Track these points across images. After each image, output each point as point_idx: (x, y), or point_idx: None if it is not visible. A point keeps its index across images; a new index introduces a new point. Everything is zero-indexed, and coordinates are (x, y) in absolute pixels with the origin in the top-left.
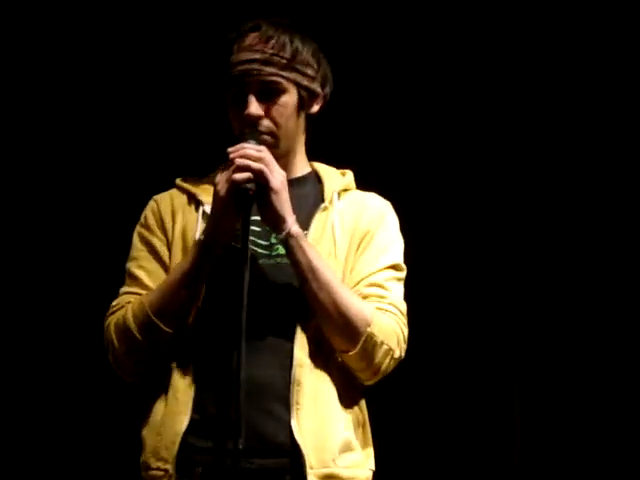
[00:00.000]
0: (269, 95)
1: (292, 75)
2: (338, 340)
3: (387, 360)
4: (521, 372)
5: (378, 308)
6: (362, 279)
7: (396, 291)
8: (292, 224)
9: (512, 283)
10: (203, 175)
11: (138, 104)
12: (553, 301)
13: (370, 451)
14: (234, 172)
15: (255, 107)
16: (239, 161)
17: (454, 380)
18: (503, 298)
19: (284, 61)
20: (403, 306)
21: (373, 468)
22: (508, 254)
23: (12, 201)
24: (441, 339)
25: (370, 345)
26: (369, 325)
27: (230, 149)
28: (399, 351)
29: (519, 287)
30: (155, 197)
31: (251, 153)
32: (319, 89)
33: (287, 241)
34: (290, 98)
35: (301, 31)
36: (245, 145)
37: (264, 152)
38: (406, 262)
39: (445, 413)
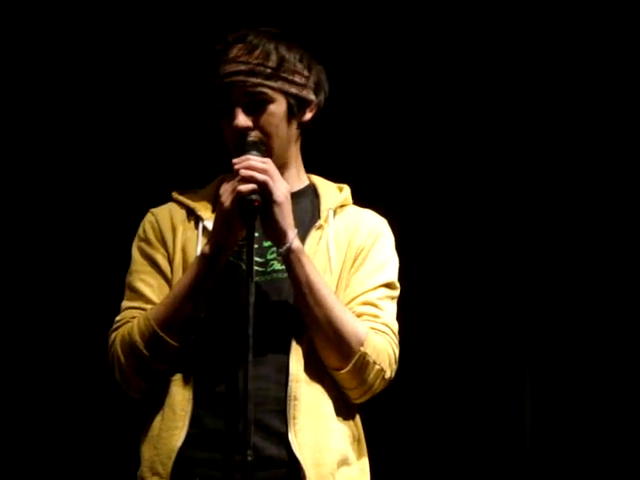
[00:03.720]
0: (256, 106)
1: (278, 84)
2: (330, 357)
3: (378, 380)
4: (528, 390)
5: (371, 328)
6: (356, 297)
7: (389, 310)
8: (293, 238)
9: (513, 294)
10: (200, 186)
11: (133, 115)
12: (556, 312)
13: (366, 465)
14: (239, 183)
15: (242, 119)
16: (244, 172)
17: (455, 393)
18: (503, 313)
19: (269, 70)
20: (395, 326)
21: None
22: (508, 267)
23: (9, 214)
24: (440, 353)
25: (362, 364)
26: (362, 344)
27: (235, 160)
28: (390, 372)
29: (520, 299)
30: (153, 210)
31: (256, 165)
32: (311, 96)
33: (287, 255)
34: (278, 107)
35: (289, 39)
36: (250, 157)
37: (269, 164)
38: (406, 275)
39: (445, 425)
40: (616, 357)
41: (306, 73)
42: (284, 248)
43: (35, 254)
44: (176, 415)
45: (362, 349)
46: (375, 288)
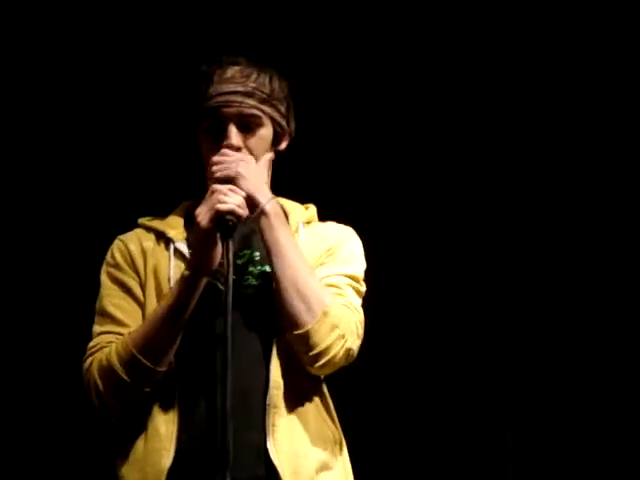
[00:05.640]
0: (248, 127)
1: (270, 110)
2: (292, 317)
3: (338, 347)
4: (513, 394)
5: None
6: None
7: (353, 296)
8: (266, 203)
9: (496, 303)
10: (164, 214)
11: (99, 142)
12: (541, 319)
13: (348, 469)
14: (217, 203)
15: (236, 137)
16: (215, 169)
17: (442, 397)
18: (488, 319)
19: (264, 96)
20: (360, 309)
21: None
22: (489, 283)
23: None
24: (424, 367)
25: (323, 325)
26: (326, 306)
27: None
28: (352, 342)
29: (504, 307)
30: (120, 237)
31: (215, 160)
32: (287, 126)
33: (260, 218)
34: (267, 132)
35: (276, 69)
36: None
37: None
38: (383, 293)
39: (431, 429)
40: (598, 380)
41: (287, 105)
42: (257, 211)
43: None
44: (161, 437)
45: (326, 309)
46: (339, 275)
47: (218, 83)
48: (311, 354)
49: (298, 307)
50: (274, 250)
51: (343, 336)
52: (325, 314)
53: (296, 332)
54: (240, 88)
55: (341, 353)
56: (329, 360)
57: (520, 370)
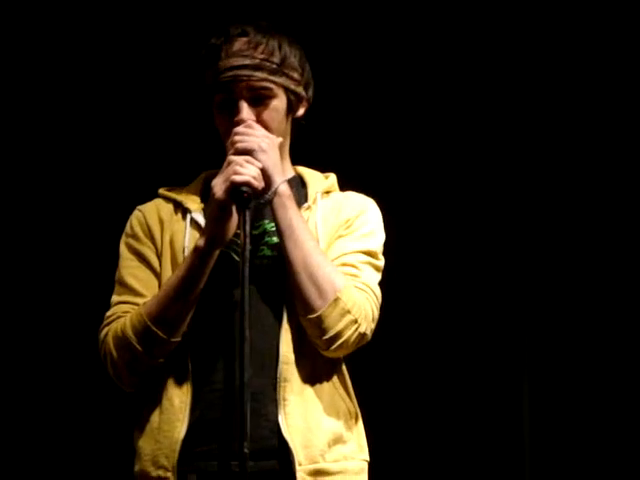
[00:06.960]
0: (259, 100)
1: (281, 80)
2: (304, 301)
3: (350, 331)
4: (529, 370)
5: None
6: (335, 258)
7: (370, 274)
8: (280, 184)
9: (518, 279)
10: (184, 185)
11: (119, 115)
12: (559, 297)
13: (363, 442)
14: (233, 174)
15: (247, 112)
16: (238, 139)
17: (459, 374)
18: (508, 295)
19: (274, 66)
20: (377, 289)
21: (367, 459)
22: (506, 266)
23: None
24: (445, 336)
25: (335, 311)
26: (338, 291)
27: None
28: (365, 326)
29: (525, 284)
30: (139, 207)
31: (239, 130)
32: (304, 92)
33: (274, 199)
34: (280, 102)
35: (287, 35)
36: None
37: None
38: (401, 272)
39: (448, 404)
40: (613, 358)
41: (301, 70)
42: (270, 192)
43: (23, 253)
44: (175, 408)
45: (337, 294)
46: (355, 252)
47: (226, 57)
48: (323, 338)
49: (310, 291)
50: (287, 232)
51: (356, 321)
52: (337, 299)
53: (308, 316)
54: (248, 61)
55: (353, 338)
56: (341, 344)
57: (536, 332)
